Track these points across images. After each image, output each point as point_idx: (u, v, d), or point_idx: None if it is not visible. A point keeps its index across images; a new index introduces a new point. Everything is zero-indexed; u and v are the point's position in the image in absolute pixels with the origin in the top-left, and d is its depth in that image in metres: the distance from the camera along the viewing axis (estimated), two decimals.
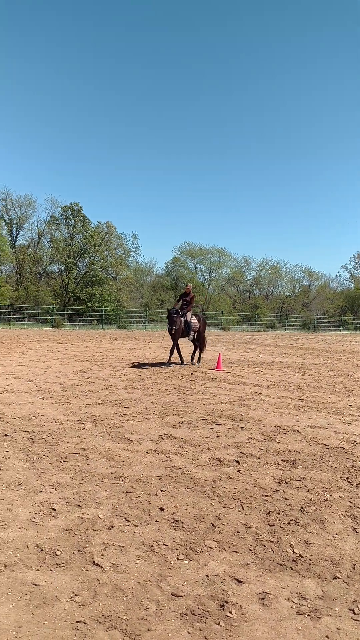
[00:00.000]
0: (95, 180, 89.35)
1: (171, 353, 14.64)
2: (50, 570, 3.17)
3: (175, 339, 14.22)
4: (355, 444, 6.47)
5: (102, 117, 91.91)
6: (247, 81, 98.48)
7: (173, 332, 13.88)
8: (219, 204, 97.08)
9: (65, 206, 42.50)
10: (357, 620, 2.78)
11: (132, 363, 14.47)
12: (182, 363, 14.51)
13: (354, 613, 2.84)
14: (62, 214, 42.85)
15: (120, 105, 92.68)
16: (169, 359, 14.63)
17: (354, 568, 3.36)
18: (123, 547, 3.51)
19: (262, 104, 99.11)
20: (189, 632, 2.62)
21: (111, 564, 3.27)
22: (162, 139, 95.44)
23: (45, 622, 2.65)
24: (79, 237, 42.79)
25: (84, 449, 5.76)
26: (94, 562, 3.28)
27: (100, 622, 2.67)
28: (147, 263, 53.92)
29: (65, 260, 42.02)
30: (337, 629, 2.70)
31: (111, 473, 5.02)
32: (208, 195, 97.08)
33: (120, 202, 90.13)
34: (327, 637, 2.63)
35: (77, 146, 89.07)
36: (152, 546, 3.54)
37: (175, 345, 14.44)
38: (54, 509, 4.09)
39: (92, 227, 43.46)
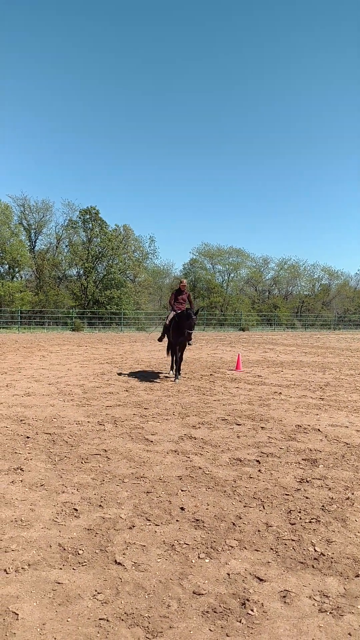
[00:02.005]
0: (111, 183, 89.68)
1: (173, 356, 12.10)
2: (73, 569, 3.21)
3: (176, 344, 11.78)
4: None
5: (115, 120, 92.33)
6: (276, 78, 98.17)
7: (189, 336, 11.23)
8: (236, 204, 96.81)
9: (82, 210, 42.79)
10: None
11: (152, 365, 14.51)
12: (172, 372, 12.30)
13: None
14: (79, 218, 43.18)
15: (134, 107, 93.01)
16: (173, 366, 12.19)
17: None
18: (144, 546, 3.54)
19: (290, 101, 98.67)
20: (210, 630, 2.63)
21: (133, 563, 3.29)
22: (176, 141, 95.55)
23: (69, 620, 2.68)
24: (96, 241, 43.02)
25: (105, 450, 5.80)
26: (115, 561, 3.32)
27: (122, 620, 2.69)
28: (164, 265, 53.93)
29: (84, 263, 42.31)
30: None
31: (132, 473, 5.05)
32: (225, 196, 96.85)
33: (136, 205, 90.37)
34: (349, 634, 2.62)
35: (90, 149, 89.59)
36: (173, 545, 3.56)
37: (175, 351, 11.91)
38: (76, 509, 4.14)
39: (110, 231, 43.70)
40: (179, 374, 11.71)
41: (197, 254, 52.46)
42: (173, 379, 11.61)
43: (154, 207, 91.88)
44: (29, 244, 43.17)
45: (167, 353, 12.69)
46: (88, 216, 42.67)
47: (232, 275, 52.94)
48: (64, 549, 3.46)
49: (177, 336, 11.53)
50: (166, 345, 13.01)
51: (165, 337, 12.66)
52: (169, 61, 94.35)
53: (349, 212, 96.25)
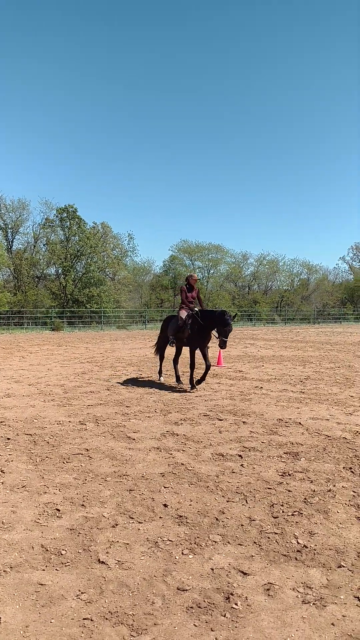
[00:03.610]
0: (88, 181, 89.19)
1: (192, 367, 10.12)
2: (56, 569, 3.18)
3: (195, 349, 10.24)
4: (357, 434, 6.48)
5: (92, 117, 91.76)
6: (244, 76, 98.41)
7: (225, 344, 9.66)
8: (214, 200, 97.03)
9: (60, 208, 42.48)
10: None
11: (133, 363, 14.48)
12: (161, 377, 11.24)
13: (359, 600, 2.85)
14: (57, 216, 42.83)
15: (112, 103, 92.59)
16: (192, 377, 10.10)
17: (358, 556, 3.38)
18: (128, 544, 3.53)
19: (257, 97, 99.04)
20: (195, 625, 2.63)
21: (116, 561, 3.28)
22: (153, 136, 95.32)
23: (52, 621, 2.66)
24: (75, 239, 42.77)
25: (87, 449, 5.77)
26: (99, 560, 3.30)
27: (106, 619, 2.68)
28: (144, 262, 53.91)
29: (62, 262, 42.01)
30: (343, 616, 2.71)
31: (114, 472, 5.03)
32: (203, 192, 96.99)
33: (114, 203, 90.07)
34: (332, 624, 2.65)
35: (67, 147, 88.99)
36: (156, 542, 3.55)
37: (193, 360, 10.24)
38: (58, 510, 4.11)
39: (88, 229, 43.45)
40: (194, 384, 9.91)
41: (176, 250, 52.55)
42: (158, 379, 11.13)
43: (133, 204, 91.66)
44: (5, 243, 42.71)
45: (155, 353, 11.64)
46: (65, 214, 42.39)
47: (211, 271, 53.13)
48: (47, 550, 3.43)
49: (198, 340, 9.99)
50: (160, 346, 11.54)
51: (160, 338, 11.37)
52: (147, 57, 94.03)
53: (326, 207, 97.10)
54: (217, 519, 3.94)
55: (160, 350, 11.57)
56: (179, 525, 3.85)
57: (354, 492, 4.53)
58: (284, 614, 2.73)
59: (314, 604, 2.83)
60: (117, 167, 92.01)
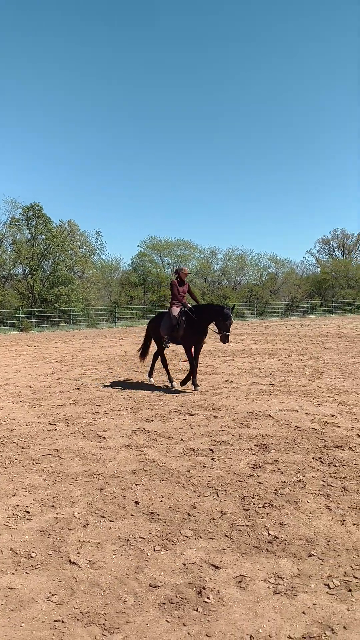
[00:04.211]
0: (53, 178, 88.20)
1: (194, 365, 9.62)
2: (26, 572, 3.13)
3: (190, 346, 9.69)
4: (326, 424, 6.57)
5: (56, 112, 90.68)
6: (208, 69, 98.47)
7: (227, 338, 9.23)
8: (181, 196, 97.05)
9: (25, 207, 41.83)
10: (333, 595, 2.83)
11: (103, 361, 14.38)
12: (152, 379, 10.60)
13: (329, 588, 2.89)
14: (22, 215, 42.16)
15: (77, 98, 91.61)
16: (194, 377, 9.58)
17: (328, 544, 3.42)
18: (99, 543, 3.50)
19: (223, 89, 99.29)
20: (167, 621, 2.62)
21: (87, 561, 3.25)
22: (120, 133, 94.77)
23: (22, 625, 2.62)
24: (41, 238, 42.18)
25: (57, 450, 5.70)
26: (70, 560, 3.26)
27: (78, 619, 2.65)
28: (112, 260, 53.43)
29: (29, 262, 41.42)
30: (313, 604, 2.74)
31: (85, 471, 4.98)
32: (170, 188, 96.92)
33: (80, 200, 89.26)
34: (303, 613, 2.67)
35: (28, 144, 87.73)
36: (128, 540, 3.53)
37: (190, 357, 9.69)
38: (28, 512, 4.05)
39: (54, 227, 42.92)
40: (197, 384, 9.45)
41: (145, 247, 52.37)
42: (148, 381, 10.46)
43: (100, 201, 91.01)
44: None
45: (141, 358, 10.94)
46: (31, 213, 41.75)
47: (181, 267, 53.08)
48: (16, 553, 3.38)
49: (194, 338, 9.54)
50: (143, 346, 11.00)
51: (147, 338, 10.86)
52: (116, 46, 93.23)
53: (292, 201, 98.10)
54: (188, 514, 3.95)
55: (145, 353, 10.92)
56: (150, 522, 3.84)
57: (323, 481, 4.59)
58: (255, 605, 2.75)
59: (285, 593, 2.85)
60: (82, 165, 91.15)
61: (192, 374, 9.52)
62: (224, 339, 9.17)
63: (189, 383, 9.65)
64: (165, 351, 10.58)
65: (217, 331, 9.31)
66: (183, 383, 9.62)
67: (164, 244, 52.03)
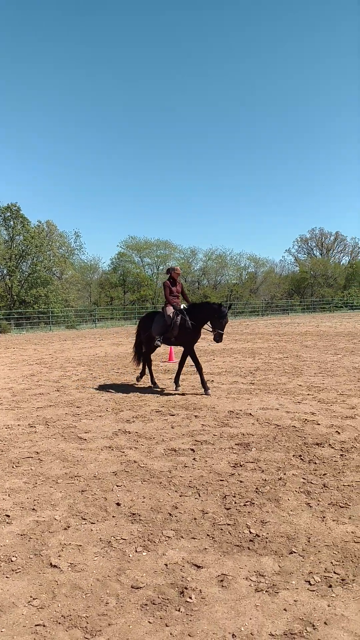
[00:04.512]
0: (31, 179, 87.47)
1: (200, 373, 9.12)
2: (6, 577, 3.10)
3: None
4: (306, 422, 6.63)
5: (32, 108, 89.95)
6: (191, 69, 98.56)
7: (220, 337, 9.05)
8: (161, 197, 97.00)
9: (2, 207, 41.36)
10: (313, 591, 2.86)
11: (83, 363, 14.30)
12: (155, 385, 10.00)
13: (310, 584, 2.92)
14: (0, 216, 41.69)
15: (54, 96, 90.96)
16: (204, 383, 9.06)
17: (309, 541, 3.45)
18: (80, 545, 3.48)
19: (200, 90, 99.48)
20: (149, 622, 2.62)
21: (69, 564, 3.23)
22: (95, 130, 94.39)
23: (3, 630, 2.59)
24: (19, 239, 41.76)
25: (37, 452, 5.66)
26: (51, 564, 3.24)
27: (59, 623, 2.64)
28: (91, 260, 53.14)
29: (7, 263, 40.97)
30: (295, 601, 2.77)
31: (65, 474, 4.95)
32: (149, 188, 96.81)
33: (58, 200, 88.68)
34: (285, 610, 2.69)
35: (4, 143, 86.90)
36: (109, 542, 3.52)
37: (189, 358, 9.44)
38: (8, 516, 4.00)
39: (32, 228, 42.53)
40: (206, 389, 8.95)
41: (124, 247, 52.23)
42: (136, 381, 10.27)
43: (78, 202, 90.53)
44: None
45: (136, 362, 10.53)
46: (9, 214, 41.31)
47: (160, 267, 53.07)
48: None
49: (188, 338, 9.30)
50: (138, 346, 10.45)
51: (139, 340, 10.36)
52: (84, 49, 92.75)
53: (271, 201, 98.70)
54: (170, 514, 3.95)
55: (140, 355, 10.42)
56: (132, 523, 3.83)
57: (303, 478, 4.63)
58: (237, 603, 2.76)
59: (266, 591, 2.87)
60: (60, 165, 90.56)
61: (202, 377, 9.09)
62: (218, 337, 9.00)
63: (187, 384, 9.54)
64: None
65: (211, 330, 9.15)
66: (175, 382, 9.50)
67: (144, 244, 51.96)
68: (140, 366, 10.57)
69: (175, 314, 9.37)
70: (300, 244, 63.33)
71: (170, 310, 9.42)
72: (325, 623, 2.58)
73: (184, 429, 6.51)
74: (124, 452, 5.59)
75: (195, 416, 7.16)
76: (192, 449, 5.61)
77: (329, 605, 2.72)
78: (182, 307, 9.51)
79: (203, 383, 8.95)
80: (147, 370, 10.32)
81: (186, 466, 5.07)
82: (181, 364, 9.59)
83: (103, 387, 9.86)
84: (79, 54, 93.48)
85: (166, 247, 52.78)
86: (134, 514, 3.97)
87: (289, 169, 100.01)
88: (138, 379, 10.34)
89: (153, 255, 52.69)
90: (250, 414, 7.16)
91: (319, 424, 6.49)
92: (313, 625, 2.56)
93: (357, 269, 57.95)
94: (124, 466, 5.12)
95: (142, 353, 10.30)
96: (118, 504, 4.17)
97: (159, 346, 9.75)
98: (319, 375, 10.50)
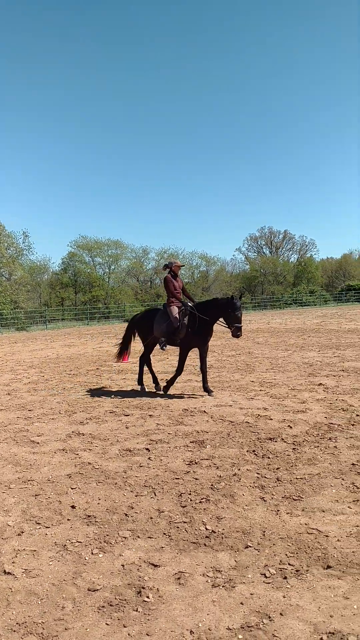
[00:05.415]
0: None
1: (180, 371, 8.98)
2: None
3: (189, 348, 8.98)
4: (259, 417, 6.73)
5: None
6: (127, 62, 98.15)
7: (240, 330, 8.37)
8: (113, 196, 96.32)
9: None
10: (269, 583, 2.91)
11: (34, 365, 14.04)
12: (158, 386, 9.35)
13: (265, 577, 2.97)
14: None
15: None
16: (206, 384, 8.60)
17: (264, 535, 3.51)
18: (35, 551, 3.42)
19: (147, 87, 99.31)
20: (107, 624, 2.60)
21: (23, 570, 3.16)
22: (42, 128, 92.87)
23: None
24: None
25: None
26: (4, 571, 3.17)
27: (14, 631, 2.58)
28: (41, 261, 52.14)
29: None
30: (251, 594, 2.81)
31: (18, 478, 4.85)
32: (98, 187, 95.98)
33: (5, 201, 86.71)
34: (241, 603, 2.73)
35: None
36: (65, 545, 3.47)
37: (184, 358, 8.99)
38: None
39: None
40: (209, 392, 8.44)
41: (75, 247, 51.55)
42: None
43: (27, 201, 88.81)
44: None
45: (119, 357, 10.11)
46: None
47: (112, 267, 52.77)
48: None
49: (197, 340, 8.66)
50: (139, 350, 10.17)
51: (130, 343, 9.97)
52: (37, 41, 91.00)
53: (221, 200, 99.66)
54: (126, 515, 3.93)
55: (122, 354, 9.97)
56: (87, 525, 3.79)
57: (257, 473, 4.70)
58: (194, 600, 2.78)
59: (223, 586, 2.90)
60: (6, 164, 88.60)
61: (172, 379, 8.83)
62: (237, 332, 8.25)
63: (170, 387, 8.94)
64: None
65: (226, 326, 8.44)
66: (166, 388, 8.88)
67: (95, 244, 51.45)
68: (119, 361, 9.88)
69: (182, 314, 8.67)
70: (250, 242, 64.22)
71: (175, 309, 8.68)
72: (281, 614, 2.62)
73: (139, 428, 6.49)
74: (78, 454, 5.53)
75: (150, 415, 7.15)
76: (147, 449, 5.60)
77: (284, 596, 2.77)
78: (189, 304, 8.84)
79: (205, 384, 8.51)
80: (149, 373, 9.68)
81: (141, 466, 5.06)
82: (202, 368, 8.67)
83: (55, 390, 9.71)
84: None
85: (117, 246, 52.48)
86: (89, 516, 3.93)
87: (241, 167, 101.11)
88: (142, 386, 9.38)
89: (104, 255, 52.29)
90: (205, 411, 7.21)
91: (271, 419, 6.60)
92: (269, 617, 2.60)
93: (306, 267, 59.31)
94: (79, 468, 5.06)
95: (141, 357, 9.68)
96: (73, 507, 4.12)
97: (165, 349, 9.02)
98: (271, 371, 10.69)
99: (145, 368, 9.72)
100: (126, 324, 10.13)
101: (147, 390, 9.27)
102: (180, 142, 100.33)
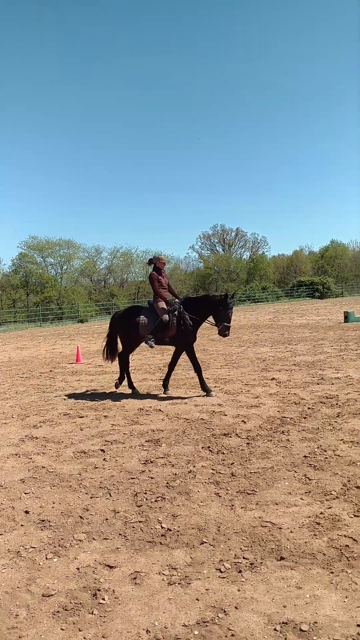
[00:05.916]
0: None
1: (200, 375, 8.38)
2: None
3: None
4: (214, 413, 6.79)
5: None
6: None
7: (228, 330, 8.30)
8: (63, 194, 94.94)
9: None
10: (224, 578, 2.94)
11: None
12: (133, 389, 8.97)
13: (220, 572, 3.00)
14: None
15: None
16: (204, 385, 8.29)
17: (219, 530, 3.54)
18: None
19: (98, 79, 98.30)
20: (62, 629, 2.57)
21: None
22: None
23: None
24: None
25: None
26: None
27: None
28: None
29: None
30: (206, 589, 2.83)
31: None
32: (49, 186, 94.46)
33: None
34: (197, 599, 2.75)
35: None
36: (18, 552, 3.41)
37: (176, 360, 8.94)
38: None
39: None
40: (208, 391, 8.16)
41: (25, 248, 50.56)
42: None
43: None
44: None
45: (111, 359, 9.34)
46: None
47: (65, 267, 52.08)
48: None
49: (186, 337, 8.52)
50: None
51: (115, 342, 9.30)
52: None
53: (174, 198, 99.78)
54: (81, 517, 3.89)
55: (113, 353, 9.29)
56: (42, 530, 3.73)
57: (212, 469, 4.74)
58: (151, 599, 2.78)
59: (179, 583, 2.91)
60: None
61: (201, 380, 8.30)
62: (225, 331, 8.20)
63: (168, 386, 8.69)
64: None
65: (214, 324, 8.39)
66: (204, 388, 8.24)
67: (46, 244, 50.61)
68: (114, 363, 9.60)
69: (169, 311, 8.50)
70: (203, 240, 64.61)
71: (162, 305, 8.52)
72: (236, 607, 2.66)
73: (94, 430, 6.43)
74: (31, 458, 5.43)
75: (105, 416, 7.10)
76: (102, 450, 5.56)
77: (239, 590, 2.81)
78: (176, 301, 8.69)
79: (202, 384, 8.23)
80: (121, 372, 9.28)
81: (96, 467, 5.02)
82: (171, 365, 8.79)
83: (7, 393, 9.51)
84: None
85: (69, 246, 51.79)
86: (43, 521, 3.87)
87: (190, 167, 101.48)
88: (117, 385, 9.11)
89: (56, 255, 51.54)
90: (160, 409, 7.22)
91: (226, 415, 6.67)
92: (224, 611, 2.63)
93: (258, 264, 60.15)
94: (32, 472, 4.97)
95: (119, 354, 9.21)
96: (27, 512, 4.05)
97: (152, 347, 8.72)
98: (225, 367, 10.80)
99: (116, 364, 9.39)
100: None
101: (139, 392, 8.90)
102: (132, 139, 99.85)
